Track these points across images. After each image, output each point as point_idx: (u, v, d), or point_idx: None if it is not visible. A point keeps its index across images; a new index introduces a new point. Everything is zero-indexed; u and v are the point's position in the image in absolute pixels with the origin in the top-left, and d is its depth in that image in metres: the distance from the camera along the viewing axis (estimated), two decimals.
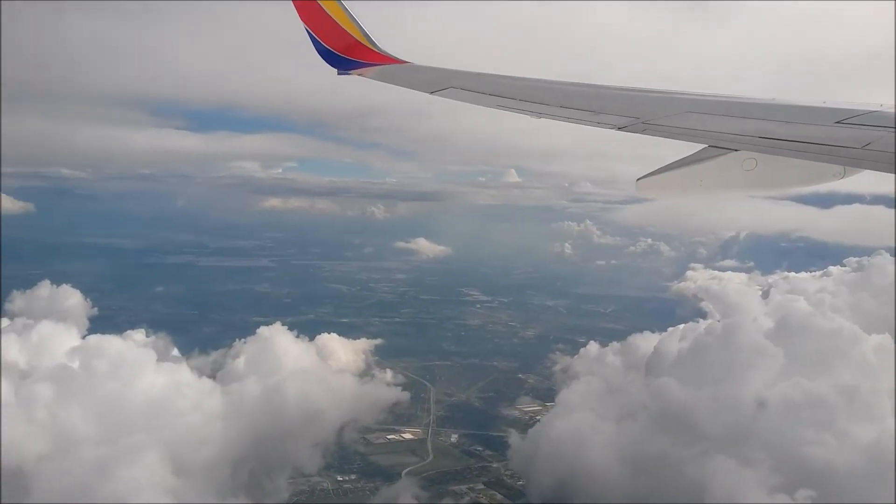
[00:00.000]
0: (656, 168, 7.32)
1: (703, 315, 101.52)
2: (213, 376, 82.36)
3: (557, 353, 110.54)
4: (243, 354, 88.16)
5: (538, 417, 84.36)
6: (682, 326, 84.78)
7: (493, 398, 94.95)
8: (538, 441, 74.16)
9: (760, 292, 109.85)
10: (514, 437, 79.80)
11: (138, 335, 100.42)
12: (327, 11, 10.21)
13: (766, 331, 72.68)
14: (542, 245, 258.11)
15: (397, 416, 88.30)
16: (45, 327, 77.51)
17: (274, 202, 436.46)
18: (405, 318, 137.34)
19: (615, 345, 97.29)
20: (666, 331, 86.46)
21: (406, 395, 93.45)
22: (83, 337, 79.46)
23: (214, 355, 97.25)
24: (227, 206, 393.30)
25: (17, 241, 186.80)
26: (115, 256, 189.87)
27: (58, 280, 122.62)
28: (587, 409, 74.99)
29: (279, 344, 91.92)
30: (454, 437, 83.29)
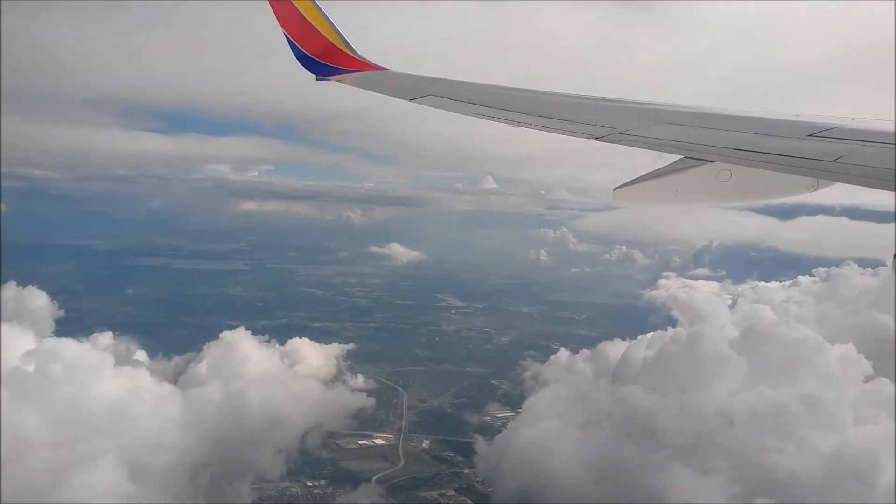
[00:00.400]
0: (633, 178, 7.37)
1: (675, 323, 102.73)
2: (175, 381, 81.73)
3: (529, 359, 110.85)
4: (206, 359, 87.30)
5: (509, 424, 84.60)
6: (649, 335, 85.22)
7: (466, 404, 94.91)
8: (504, 448, 74.40)
9: (730, 301, 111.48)
10: (483, 444, 79.78)
11: (105, 338, 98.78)
12: (305, 16, 10.05)
13: (732, 340, 73.59)
14: (518, 251, 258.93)
15: (369, 421, 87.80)
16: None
17: (251, 205, 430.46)
18: (379, 322, 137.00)
19: (585, 352, 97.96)
20: (636, 338, 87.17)
21: (377, 401, 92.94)
22: (41, 339, 77.81)
23: (179, 359, 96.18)
24: (204, 208, 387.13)
25: None
26: (90, 258, 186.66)
27: (29, 282, 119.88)
28: (553, 417, 75.33)
29: (242, 349, 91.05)
30: (426, 443, 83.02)
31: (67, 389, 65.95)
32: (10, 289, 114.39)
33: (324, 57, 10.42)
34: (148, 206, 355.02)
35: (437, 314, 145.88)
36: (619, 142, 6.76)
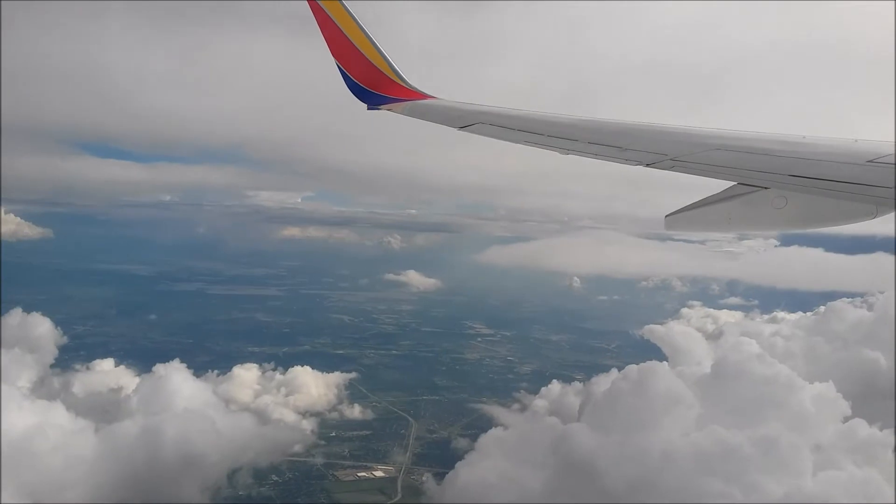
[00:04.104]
0: (684, 205, 7.31)
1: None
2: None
3: (522, 391, 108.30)
4: (136, 394, 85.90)
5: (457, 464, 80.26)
6: (614, 371, 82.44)
7: (475, 435, 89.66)
8: (446, 488, 72.54)
9: (740, 332, 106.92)
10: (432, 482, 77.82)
11: (107, 364, 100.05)
12: (357, 46, 10.28)
13: (701, 376, 70.84)
14: (553, 278, 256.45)
15: (373, 452, 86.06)
16: None
17: (293, 231, 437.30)
18: (403, 350, 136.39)
19: (578, 385, 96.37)
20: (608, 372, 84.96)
21: (384, 431, 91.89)
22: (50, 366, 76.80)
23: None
24: (246, 234, 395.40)
25: (32, 266, 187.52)
26: (127, 283, 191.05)
27: (58, 307, 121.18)
28: (500, 456, 72.77)
29: (175, 382, 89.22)
30: (426, 476, 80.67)
31: None
32: (16, 315, 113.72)
33: (375, 87, 10.63)
34: (192, 232, 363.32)
35: (462, 342, 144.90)
36: (672, 168, 6.74)
